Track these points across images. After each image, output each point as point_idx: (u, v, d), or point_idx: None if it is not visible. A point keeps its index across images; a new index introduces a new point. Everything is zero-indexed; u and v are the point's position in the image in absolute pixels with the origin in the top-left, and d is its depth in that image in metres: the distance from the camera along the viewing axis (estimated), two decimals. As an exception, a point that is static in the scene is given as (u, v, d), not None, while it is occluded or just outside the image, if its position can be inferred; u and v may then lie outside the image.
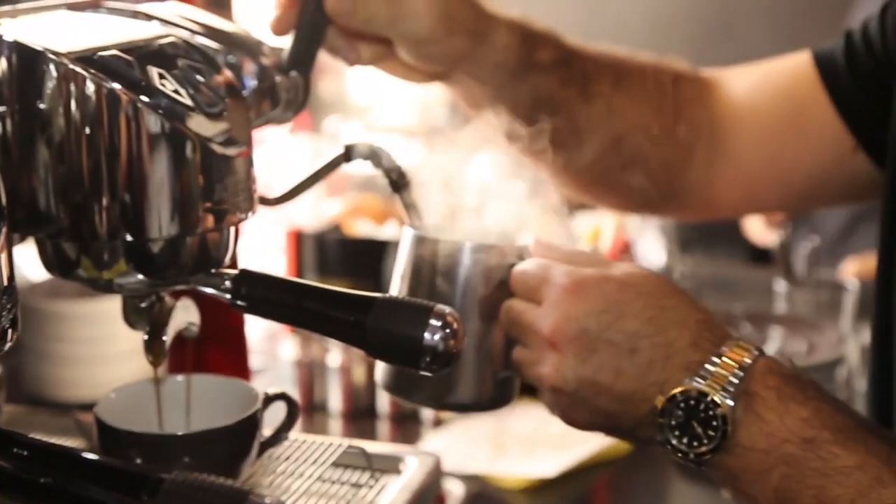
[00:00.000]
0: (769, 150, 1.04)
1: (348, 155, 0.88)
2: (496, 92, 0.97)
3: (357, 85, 3.39)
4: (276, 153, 1.86)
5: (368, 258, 1.49)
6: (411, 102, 3.16)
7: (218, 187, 0.71)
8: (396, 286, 0.83)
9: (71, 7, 0.80)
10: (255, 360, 1.50)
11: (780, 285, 1.58)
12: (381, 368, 0.84)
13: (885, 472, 0.66)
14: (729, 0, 3.07)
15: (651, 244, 1.81)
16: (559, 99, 0.99)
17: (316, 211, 1.78)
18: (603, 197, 1.14)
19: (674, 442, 0.71)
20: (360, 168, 1.96)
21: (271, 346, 1.57)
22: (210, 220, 0.71)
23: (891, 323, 0.91)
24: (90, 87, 0.67)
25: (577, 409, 0.75)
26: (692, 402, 0.70)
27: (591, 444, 1.29)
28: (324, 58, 0.92)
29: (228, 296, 0.72)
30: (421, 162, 1.94)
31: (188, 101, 0.71)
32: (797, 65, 1.04)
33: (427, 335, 0.69)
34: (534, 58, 0.96)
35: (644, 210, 1.25)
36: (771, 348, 1.41)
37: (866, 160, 0.99)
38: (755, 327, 1.44)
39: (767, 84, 1.06)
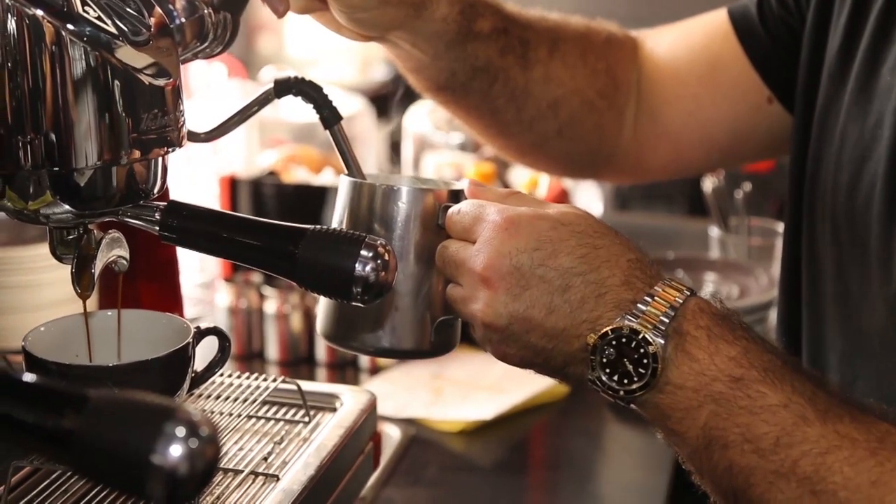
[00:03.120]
0: (689, 105, 1.06)
1: (278, 90, 0.87)
2: (432, 60, 0.96)
3: (296, 41, 3.35)
4: (210, 101, 1.83)
5: (305, 204, 1.48)
6: (351, 58, 3.13)
7: (145, 117, 0.70)
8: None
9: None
10: (191, 309, 1.48)
11: (714, 232, 1.61)
12: (321, 317, 0.83)
13: (809, 410, 0.67)
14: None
15: (588, 194, 1.83)
16: (497, 66, 0.99)
17: (251, 161, 1.76)
18: (539, 161, 1.14)
19: (604, 379, 0.72)
20: (295, 116, 1.94)
21: (208, 295, 1.55)
22: (137, 151, 0.70)
23: (798, 260, 0.94)
24: (11, 16, 0.65)
25: (508, 344, 0.76)
26: (623, 340, 0.71)
27: (526, 389, 1.30)
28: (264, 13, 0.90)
29: (157, 227, 0.72)
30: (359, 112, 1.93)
31: (113, 30, 0.69)
32: (713, 21, 1.05)
33: (358, 266, 0.69)
34: (473, 27, 0.96)
35: (579, 174, 1.26)
36: (705, 292, 1.44)
37: (782, 110, 1.01)
38: (689, 273, 1.46)
39: (685, 41, 1.07)
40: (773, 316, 1.37)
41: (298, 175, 1.63)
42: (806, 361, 0.93)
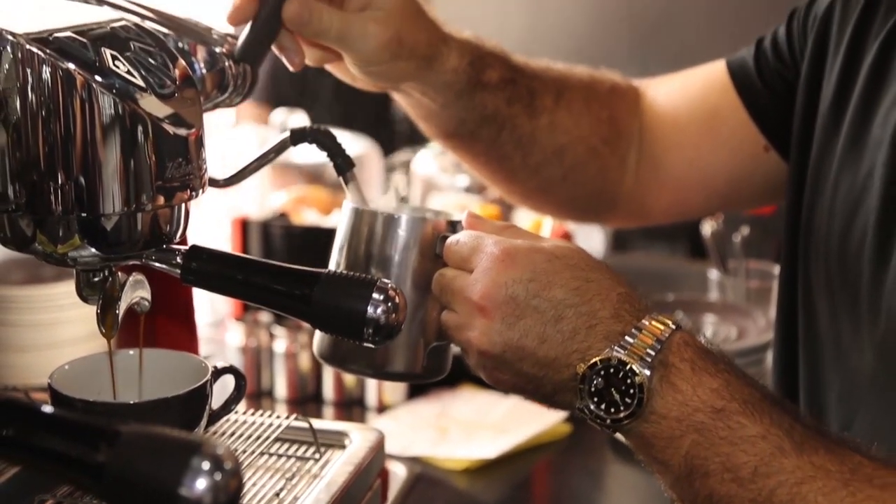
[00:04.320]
0: (689, 153, 1.10)
1: (294, 138, 0.91)
2: (443, 109, 1.00)
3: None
4: (224, 143, 1.87)
5: (314, 246, 1.52)
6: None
7: (169, 165, 0.74)
8: (335, 257, 0.87)
9: (24, -10, 0.82)
10: (201, 348, 1.51)
11: (713, 274, 1.64)
12: (318, 339, 0.87)
13: (787, 441, 0.70)
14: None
15: (590, 235, 1.86)
16: (505, 115, 1.03)
17: (262, 202, 1.80)
18: (544, 205, 1.18)
19: (592, 408, 0.75)
20: (306, 157, 1.98)
21: (218, 333, 1.59)
22: (161, 198, 0.73)
23: (794, 302, 0.97)
24: (46, 68, 0.69)
25: (501, 370, 0.79)
26: (611, 371, 0.74)
27: (529, 428, 1.33)
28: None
29: (179, 270, 0.75)
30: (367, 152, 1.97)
31: (140, 83, 0.73)
32: (712, 72, 1.09)
33: (370, 308, 0.73)
34: (482, 78, 1.00)
35: (582, 217, 1.30)
36: (704, 334, 1.46)
37: (778, 158, 1.05)
38: (689, 314, 1.49)
39: (685, 91, 1.11)
40: (769, 357, 1.40)
41: (308, 217, 1.66)
42: (803, 402, 0.96)
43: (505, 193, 1.16)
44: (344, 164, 0.91)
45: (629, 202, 1.15)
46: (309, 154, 2.04)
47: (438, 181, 1.95)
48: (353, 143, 2.06)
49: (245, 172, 0.92)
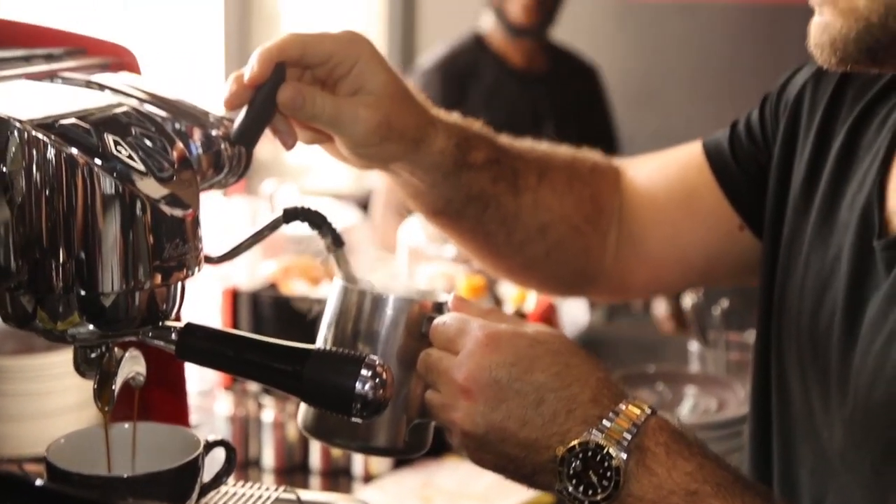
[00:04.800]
0: (667, 231, 1.13)
1: (287, 217, 0.94)
2: (430, 188, 1.04)
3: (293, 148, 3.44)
4: (215, 215, 1.90)
5: (303, 317, 1.54)
6: (346, 166, 3.23)
7: (166, 246, 0.77)
8: (324, 332, 0.89)
9: (29, 77, 0.86)
10: (191, 417, 1.53)
11: (694, 346, 1.67)
12: (302, 412, 0.90)
13: None
14: (652, 71, 3.21)
15: (575, 305, 1.89)
16: (490, 194, 1.07)
17: (252, 270, 1.82)
18: (528, 280, 1.22)
19: (570, 489, 0.78)
20: (296, 228, 2.02)
21: (208, 402, 1.60)
22: (158, 277, 0.76)
23: (768, 377, 1.00)
24: (51, 152, 0.72)
25: (484, 451, 0.82)
26: (589, 454, 0.77)
27: (513, 498, 1.34)
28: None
29: (174, 347, 0.78)
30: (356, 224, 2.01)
31: (140, 166, 0.77)
32: (689, 153, 1.13)
33: (358, 384, 0.76)
34: (468, 159, 1.04)
35: (565, 292, 1.34)
36: (685, 406, 1.49)
37: (753, 237, 1.08)
38: (670, 386, 1.52)
39: (663, 171, 1.15)
40: (747, 429, 1.43)
41: (297, 287, 1.69)
42: (777, 476, 0.99)
43: (490, 269, 1.19)
44: (334, 242, 0.94)
45: (610, 278, 1.19)
46: (298, 224, 2.09)
47: (425, 250, 1.99)
48: (343, 214, 2.11)
49: (239, 249, 0.95)
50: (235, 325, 1.58)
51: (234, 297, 1.58)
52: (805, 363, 0.94)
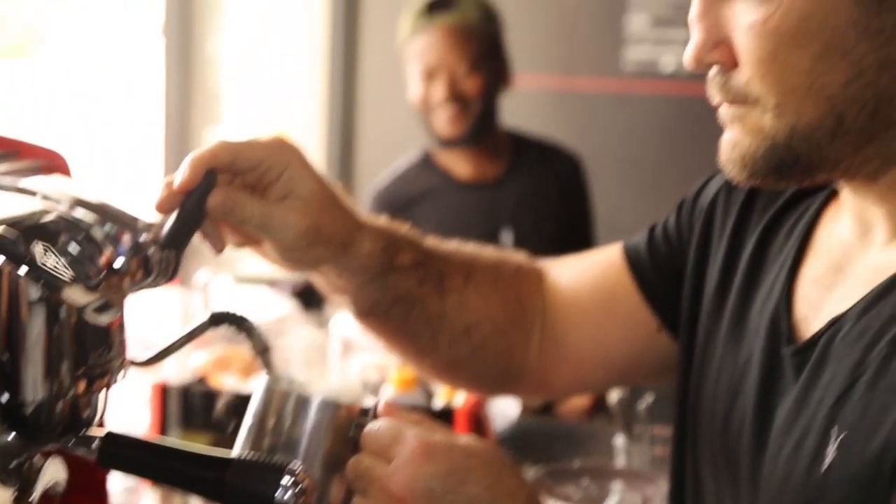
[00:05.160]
0: (589, 332, 1.16)
1: (214, 321, 0.96)
2: (357, 290, 1.06)
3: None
4: (146, 305, 1.90)
5: (232, 412, 1.54)
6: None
7: (91, 354, 0.78)
8: (246, 433, 0.90)
9: (-43, 182, 0.87)
10: (115, 512, 1.52)
11: (619, 440, 1.70)
12: None
13: None
14: (590, 156, 3.29)
15: (504, 399, 1.91)
16: (416, 296, 1.09)
17: (182, 362, 1.82)
18: (454, 379, 1.24)
19: None
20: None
21: (132, 499, 1.59)
22: (82, 385, 0.77)
23: (684, 477, 1.03)
24: (-24, 260, 0.73)
25: None
26: None
27: None
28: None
29: (96, 456, 0.78)
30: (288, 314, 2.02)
31: (67, 274, 0.78)
32: (609, 256, 1.17)
33: (279, 493, 0.77)
34: (395, 262, 1.06)
35: (490, 390, 1.36)
36: (611, 502, 1.51)
37: (670, 339, 1.12)
38: (595, 481, 1.54)
39: (585, 273, 1.19)
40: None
41: (227, 381, 1.69)
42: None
43: (417, 368, 1.21)
44: (261, 347, 0.95)
45: (534, 377, 1.21)
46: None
47: (358, 341, 2.00)
48: (278, 302, 2.11)
49: (164, 353, 0.96)
50: (164, 421, 1.57)
51: (164, 392, 1.58)
52: (718, 466, 0.97)
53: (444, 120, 2.38)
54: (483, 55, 2.41)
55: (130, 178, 3.62)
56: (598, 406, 2.11)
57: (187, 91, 3.62)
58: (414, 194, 2.45)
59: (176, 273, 0.97)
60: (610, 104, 3.20)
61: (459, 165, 2.49)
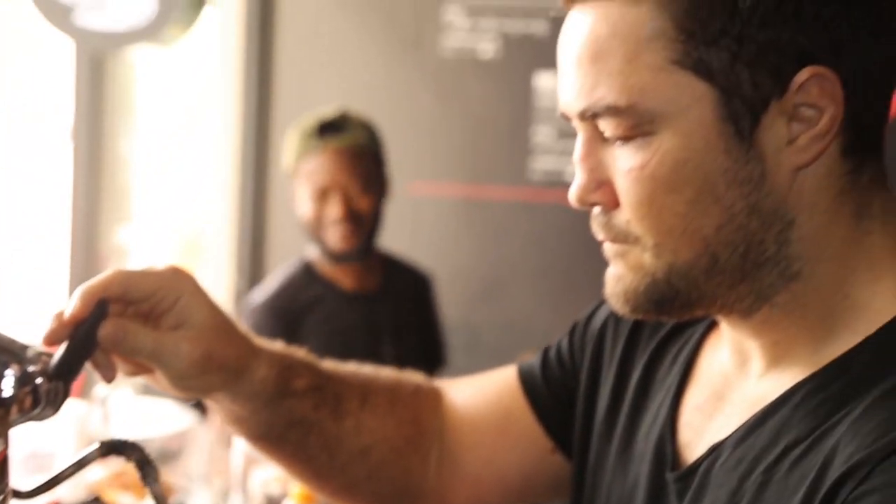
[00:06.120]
0: (485, 452, 1.18)
1: (104, 451, 0.95)
2: (251, 414, 1.07)
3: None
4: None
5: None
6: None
7: (-29, 491, 0.76)
8: None
9: None
10: None
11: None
12: None
13: None
14: (500, 263, 3.33)
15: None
16: (312, 420, 1.10)
17: (77, 478, 1.78)
18: (351, 500, 1.24)
19: None
20: (126, 433, 1.98)
21: None
22: (-39, 523, 0.76)
23: None
24: None
25: None
26: None
27: None
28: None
29: None
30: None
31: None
32: (505, 378, 1.19)
33: None
34: (290, 386, 1.07)
35: None
36: None
37: (564, 460, 1.14)
38: None
39: (481, 395, 1.21)
40: None
41: (122, 500, 1.66)
42: None
43: (313, 491, 1.21)
44: (150, 473, 0.95)
45: (432, 497, 1.22)
46: (132, 428, 2.05)
47: (260, 455, 1.98)
48: (179, 415, 2.08)
49: (51, 483, 0.94)
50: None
51: (56, 510, 1.53)
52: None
53: (337, 237, 2.44)
54: (372, 174, 2.49)
55: (36, 279, 3.56)
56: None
57: (96, 190, 3.60)
58: (301, 306, 2.47)
59: (64, 402, 0.96)
60: (518, 213, 3.27)
61: (342, 275, 2.54)
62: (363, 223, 2.46)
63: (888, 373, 0.81)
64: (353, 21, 3.29)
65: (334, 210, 2.42)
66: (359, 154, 2.45)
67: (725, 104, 0.83)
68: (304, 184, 2.46)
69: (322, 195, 2.43)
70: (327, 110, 2.51)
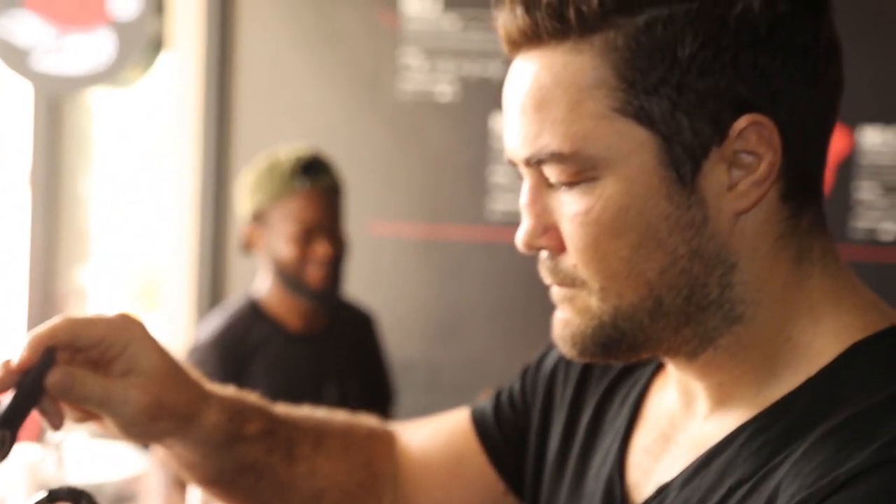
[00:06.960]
0: (439, 495, 1.18)
1: (51, 498, 0.94)
2: (202, 459, 1.07)
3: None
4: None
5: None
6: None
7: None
8: None
9: None
10: None
11: None
12: None
13: None
14: (458, 303, 3.34)
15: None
16: (264, 464, 1.10)
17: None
18: None
19: None
20: (81, 479, 1.96)
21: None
22: None
23: None
24: None
25: None
26: None
27: None
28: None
29: None
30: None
31: None
32: (457, 420, 1.20)
33: None
34: (242, 431, 1.07)
35: None
36: None
37: (517, 502, 1.14)
38: None
39: (434, 438, 1.21)
40: None
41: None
42: None
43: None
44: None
45: None
46: (87, 472, 2.03)
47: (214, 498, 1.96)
48: (134, 459, 2.07)
49: (-3, 533, 0.94)
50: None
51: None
52: None
53: (321, 276, 2.43)
54: (342, 214, 2.52)
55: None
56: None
57: (54, 231, 3.58)
58: (249, 347, 2.45)
59: (9, 453, 0.95)
60: (476, 252, 3.28)
61: (290, 315, 2.52)
62: (341, 263, 2.48)
63: (827, 414, 0.82)
64: (311, 64, 3.31)
65: (322, 250, 2.41)
66: (339, 194, 2.50)
67: (667, 151, 0.85)
68: (282, 224, 2.44)
69: (307, 235, 2.43)
70: (289, 150, 2.51)
